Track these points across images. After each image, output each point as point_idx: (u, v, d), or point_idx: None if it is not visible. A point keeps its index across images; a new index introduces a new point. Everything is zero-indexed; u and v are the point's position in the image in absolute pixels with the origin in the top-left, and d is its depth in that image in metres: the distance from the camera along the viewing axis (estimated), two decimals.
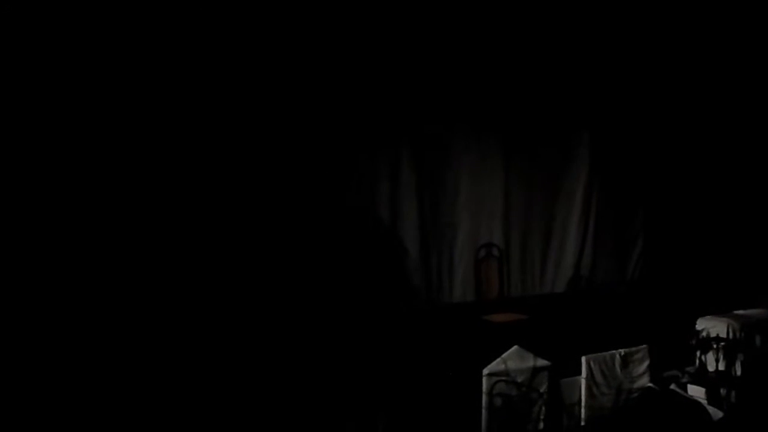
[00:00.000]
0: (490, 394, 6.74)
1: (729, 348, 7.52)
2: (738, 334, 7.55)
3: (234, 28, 7.80)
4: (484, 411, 6.73)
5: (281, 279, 8.01)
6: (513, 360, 6.89)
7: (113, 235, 7.37)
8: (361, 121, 8.64)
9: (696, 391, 7.46)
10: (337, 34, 8.31)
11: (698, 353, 7.66)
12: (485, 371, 6.79)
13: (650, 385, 7.38)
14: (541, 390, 6.94)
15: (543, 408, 6.93)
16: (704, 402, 7.29)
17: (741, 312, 7.89)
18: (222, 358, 7.27)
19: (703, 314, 7.80)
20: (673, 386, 7.47)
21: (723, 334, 7.56)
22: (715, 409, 7.18)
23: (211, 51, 7.76)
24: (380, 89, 8.71)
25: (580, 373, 7.20)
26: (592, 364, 7.21)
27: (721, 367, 7.51)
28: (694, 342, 7.69)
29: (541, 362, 6.97)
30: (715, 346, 7.56)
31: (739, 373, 7.50)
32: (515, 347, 6.95)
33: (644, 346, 7.48)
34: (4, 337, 6.54)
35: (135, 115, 7.49)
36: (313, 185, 8.32)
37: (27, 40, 7.01)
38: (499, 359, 6.86)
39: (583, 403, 7.16)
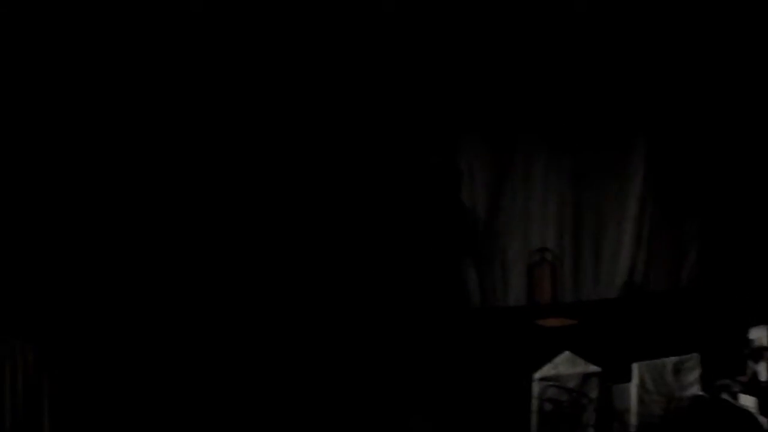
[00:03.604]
0: (540, 398, 6.76)
1: None
2: None
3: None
4: (534, 416, 6.75)
5: (337, 277, 8.19)
6: (564, 365, 6.89)
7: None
8: (421, 121, 8.79)
9: (747, 401, 7.36)
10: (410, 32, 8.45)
11: (750, 363, 7.57)
12: (536, 376, 6.80)
13: (701, 393, 7.32)
14: (592, 396, 6.92)
15: (593, 414, 6.93)
16: (755, 412, 7.21)
17: None
18: (268, 355, 7.43)
19: (756, 323, 7.71)
20: (724, 395, 7.40)
21: None
22: (766, 419, 7.11)
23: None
24: (441, 95, 8.86)
25: (630, 380, 7.15)
26: (643, 370, 7.16)
27: None
28: (746, 351, 7.61)
29: (592, 368, 6.96)
30: (767, 355, 7.48)
31: None
32: (566, 352, 6.96)
33: (696, 354, 7.41)
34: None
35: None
36: (372, 185, 8.49)
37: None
38: (550, 364, 6.87)
39: (633, 410, 7.12)
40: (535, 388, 6.79)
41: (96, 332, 7.05)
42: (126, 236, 7.53)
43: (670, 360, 7.30)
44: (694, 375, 7.36)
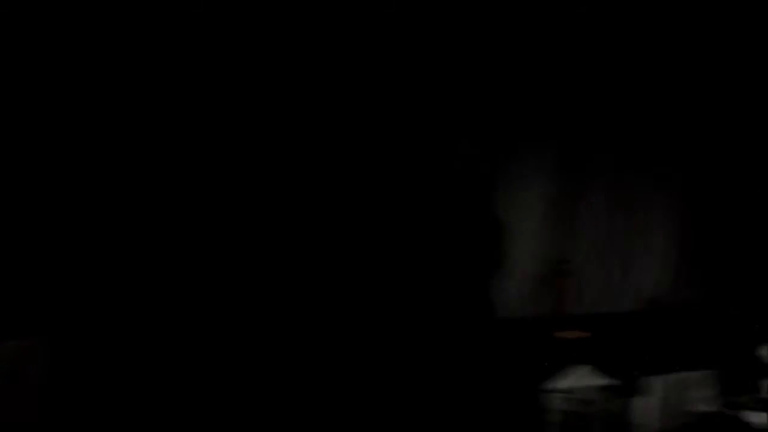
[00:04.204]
0: (554, 411, 6.81)
1: None
2: None
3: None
4: (549, 428, 6.82)
5: (355, 284, 7.98)
6: (580, 377, 6.95)
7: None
8: (445, 125, 8.57)
9: (761, 419, 7.37)
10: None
11: (764, 380, 7.56)
12: (551, 387, 6.86)
13: (715, 409, 7.31)
14: (609, 409, 6.97)
15: (608, 428, 6.96)
16: None
17: None
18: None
19: None
20: (741, 413, 7.40)
21: None
22: None
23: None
24: (467, 100, 8.66)
25: (647, 394, 7.20)
26: (658, 385, 7.20)
27: None
28: (760, 368, 7.59)
29: (608, 381, 7.01)
30: None
31: None
32: (582, 365, 7.04)
33: (713, 370, 7.40)
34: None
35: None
36: (392, 190, 8.27)
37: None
38: (565, 376, 6.94)
39: (648, 425, 7.16)
40: (552, 400, 6.84)
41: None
42: (129, 232, 7.31)
43: (686, 375, 7.33)
44: (708, 391, 7.39)
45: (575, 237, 9.54)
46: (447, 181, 8.59)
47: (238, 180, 7.63)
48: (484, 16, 8.40)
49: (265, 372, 7.25)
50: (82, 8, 7.10)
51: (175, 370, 7.04)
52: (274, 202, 7.78)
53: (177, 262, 7.24)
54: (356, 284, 8.00)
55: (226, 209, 7.54)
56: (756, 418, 7.36)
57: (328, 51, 7.92)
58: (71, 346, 6.69)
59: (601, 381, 6.94)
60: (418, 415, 7.34)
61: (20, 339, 6.42)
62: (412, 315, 8.09)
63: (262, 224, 7.69)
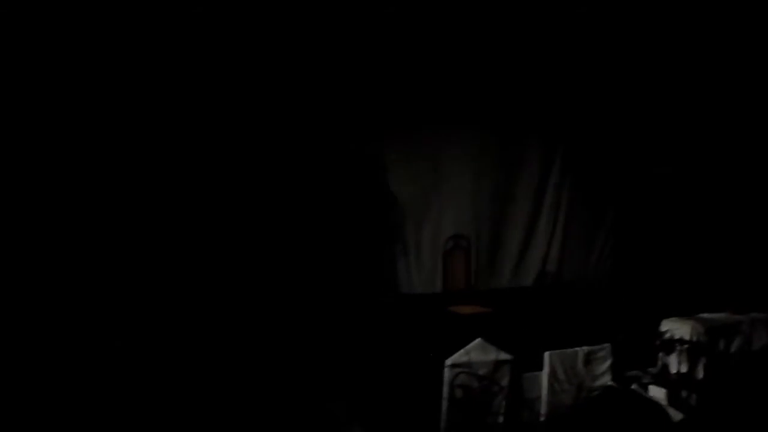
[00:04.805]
0: (451, 385, 6.71)
1: (692, 351, 7.50)
2: (702, 337, 7.53)
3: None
4: (444, 402, 6.70)
5: (258, 266, 8.10)
6: (476, 352, 6.85)
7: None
8: (340, 109, 8.71)
9: (657, 392, 7.44)
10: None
11: (661, 354, 7.64)
12: (448, 362, 6.75)
13: (611, 383, 7.35)
14: (503, 383, 6.90)
15: (503, 402, 6.89)
16: (665, 403, 7.28)
17: (706, 315, 7.86)
18: (205, 352, 7.37)
19: (668, 316, 7.78)
20: (634, 386, 7.45)
21: (687, 337, 7.52)
22: (675, 411, 7.17)
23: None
24: (359, 84, 8.82)
25: (542, 369, 7.16)
26: (554, 360, 7.18)
27: (684, 369, 7.49)
28: (657, 343, 7.67)
29: (504, 356, 6.93)
30: (678, 348, 7.54)
31: (701, 376, 7.49)
32: (479, 339, 6.91)
33: (607, 344, 7.44)
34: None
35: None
36: (293, 173, 8.40)
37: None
38: (462, 351, 6.82)
39: (543, 399, 7.13)
40: (447, 374, 6.74)
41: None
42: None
43: (582, 350, 7.34)
44: (605, 365, 7.41)
45: (473, 216, 9.61)
46: (345, 163, 8.70)
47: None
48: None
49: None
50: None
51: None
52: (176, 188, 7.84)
53: None
54: (264, 261, 8.09)
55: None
56: (655, 392, 7.44)
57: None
58: None
59: (496, 356, 6.88)
60: (321, 388, 7.37)
61: None
62: (311, 292, 8.14)
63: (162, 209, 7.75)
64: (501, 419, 6.91)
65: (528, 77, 9.73)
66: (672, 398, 7.38)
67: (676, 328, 7.64)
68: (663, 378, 7.52)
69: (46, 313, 6.91)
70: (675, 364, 7.54)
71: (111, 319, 7.19)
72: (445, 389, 6.70)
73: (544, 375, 7.16)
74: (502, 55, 9.47)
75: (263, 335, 7.61)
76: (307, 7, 8.20)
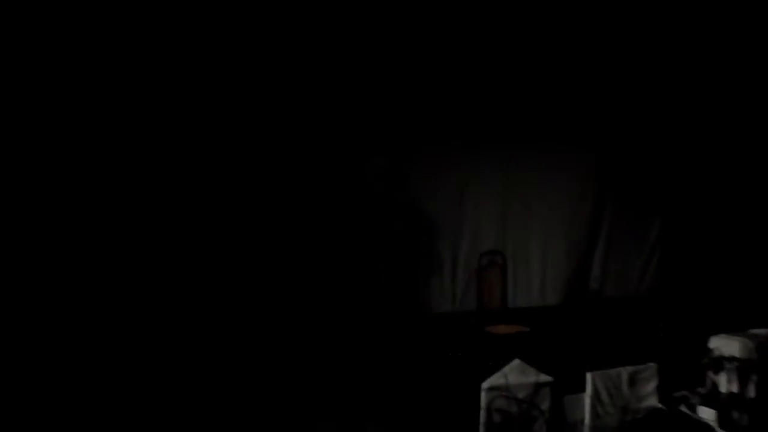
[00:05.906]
0: (488, 409, 6.49)
1: (742, 369, 7.25)
2: (752, 355, 7.27)
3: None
4: (481, 428, 6.48)
5: (286, 282, 8.16)
6: (514, 374, 6.64)
7: (113, 234, 7.54)
8: (364, 123, 8.74)
9: (707, 414, 7.18)
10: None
11: (710, 373, 7.39)
12: (484, 385, 6.54)
13: (658, 405, 7.12)
14: (543, 407, 6.68)
15: (544, 426, 6.67)
16: (715, 425, 7.04)
17: (756, 331, 7.60)
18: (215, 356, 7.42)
19: (716, 333, 7.53)
20: (682, 407, 7.22)
21: (737, 354, 7.27)
22: None
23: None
24: (384, 96, 8.85)
25: (584, 391, 6.92)
26: (597, 381, 6.93)
27: (734, 388, 7.24)
28: (705, 361, 7.43)
29: (544, 378, 6.72)
30: (727, 366, 7.29)
31: (752, 395, 7.22)
32: (517, 361, 6.71)
33: (653, 364, 7.22)
34: (4, 337, 6.67)
35: (142, 114, 7.68)
36: (320, 190, 8.46)
37: (27, 40, 7.12)
38: (499, 373, 6.62)
39: (586, 423, 6.89)
40: (484, 398, 6.53)
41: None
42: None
43: (626, 369, 7.11)
44: (650, 386, 7.19)
45: (511, 232, 9.60)
46: (377, 181, 8.74)
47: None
48: None
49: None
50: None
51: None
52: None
53: None
54: (295, 281, 8.18)
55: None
56: (704, 413, 7.20)
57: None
58: None
59: (535, 378, 6.68)
60: (354, 410, 7.22)
61: None
62: (343, 313, 8.18)
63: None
64: None
65: (559, 85, 9.63)
66: (722, 419, 7.11)
67: (725, 345, 7.38)
68: (712, 398, 7.27)
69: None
70: (725, 383, 7.29)
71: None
72: (482, 414, 6.49)
73: (587, 397, 6.90)
74: (535, 66, 9.41)
75: (293, 354, 7.59)
76: (344, 22, 8.31)
